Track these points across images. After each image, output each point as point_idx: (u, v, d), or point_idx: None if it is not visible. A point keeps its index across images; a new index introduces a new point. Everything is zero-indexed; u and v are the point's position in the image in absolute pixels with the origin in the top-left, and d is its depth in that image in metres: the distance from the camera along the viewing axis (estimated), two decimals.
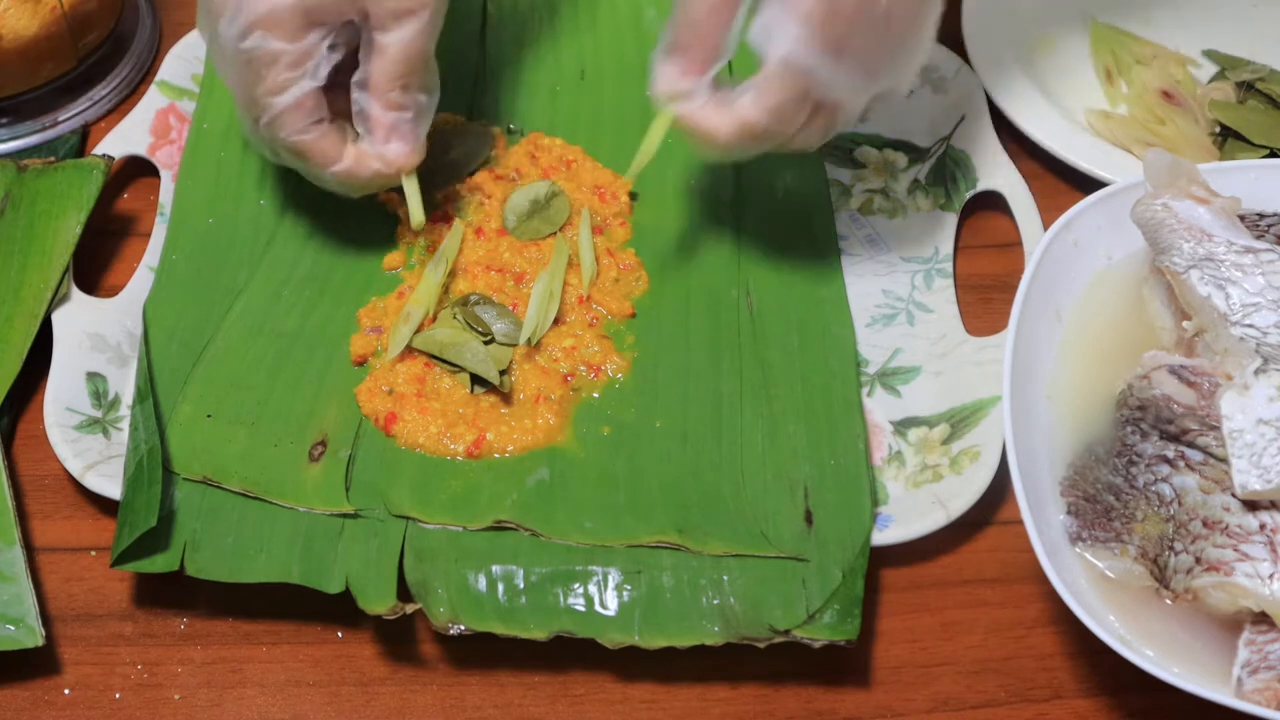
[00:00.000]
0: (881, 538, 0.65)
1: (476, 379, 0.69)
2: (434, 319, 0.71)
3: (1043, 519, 0.62)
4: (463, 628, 0.62)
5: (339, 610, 0.63)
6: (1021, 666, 0.65)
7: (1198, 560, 0.60)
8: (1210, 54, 0.87)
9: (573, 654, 0.63)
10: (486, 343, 0.70)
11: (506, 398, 0.69)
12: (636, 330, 0.72)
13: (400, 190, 0.72)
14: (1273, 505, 0.60)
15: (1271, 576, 0.59)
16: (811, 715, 0.63)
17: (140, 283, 0.74)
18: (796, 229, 0.76)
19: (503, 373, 0.69)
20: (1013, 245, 0.76)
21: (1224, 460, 0.61)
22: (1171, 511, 0.62)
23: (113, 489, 0.65)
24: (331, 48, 0.67)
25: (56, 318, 0.71)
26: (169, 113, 0.81)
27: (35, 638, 0.62)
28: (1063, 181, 0.78)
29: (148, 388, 0.68)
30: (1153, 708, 0.63)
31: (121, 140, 0.79)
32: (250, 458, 0.67)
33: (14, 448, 0.70)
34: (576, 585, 0.63)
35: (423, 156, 0.71)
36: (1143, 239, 0.68)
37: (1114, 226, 0.70)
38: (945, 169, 0.79)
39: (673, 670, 0.64)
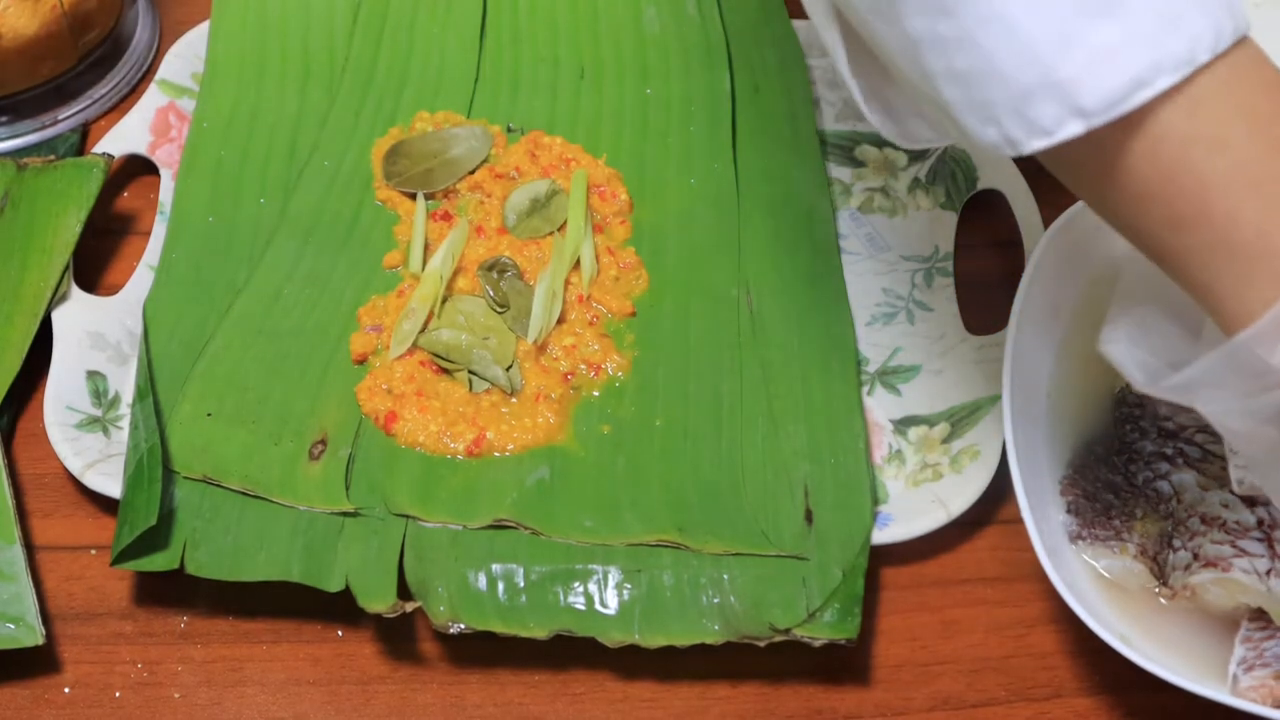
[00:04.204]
0: (882, 536, 0.65)
1: (479, 377, 0.69)
2: (438, 316, 0.71)
3: (1043, 518, 0.62)
4: (463, 626, 0.62)
5: (339, 609, 0.63)
6: (1021, 665, 0.65)
7: (1196, 556, 0.60)
8: None
9: (573, 653, 0.63)
10: (500, 311, 0.71)
11: (507, 396, 0.69)
12: (637, 329, 0.72)
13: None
14: (1270, 501, 0.60)
15: (1269, 572, 0.59)
16: (811, 714, 0.63)
17: (140, 281, 0.74)
18: (796, 228, 0.76)
19: (507, 369, 0.69)
20: (1013, 244, 0.76)
21: (1222, 457, 0.61)
22: (1170, 508, 0.62)
23: (113, 487, 0.65)
24: None
25: (56, 316, 0.71)
26: (169, 111, 0.81)
27: (35, 636, 0.62)
28: None
29: (148, 386, 0.68)
30: (1152, 706, 0.63)
31: (121, 139, 0.79)
32: (250, 456, 0.67)
33: (14, 446, 0.70)
34: (576, 584, 0.63)
35: None
36: None
37: None
38: (945, 168, 0.79)
39: (673, 669, 0.64)
